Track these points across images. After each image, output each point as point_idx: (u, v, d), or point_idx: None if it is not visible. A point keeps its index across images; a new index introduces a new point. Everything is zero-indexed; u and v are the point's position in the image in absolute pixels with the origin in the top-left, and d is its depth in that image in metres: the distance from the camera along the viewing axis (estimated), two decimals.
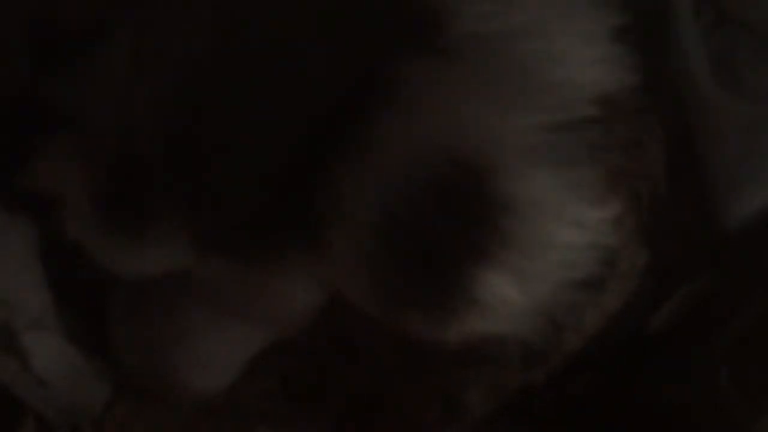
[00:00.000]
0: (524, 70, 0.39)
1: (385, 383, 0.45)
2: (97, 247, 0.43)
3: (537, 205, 0.39)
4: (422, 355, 0.43)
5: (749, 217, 0.48)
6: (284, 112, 0.39)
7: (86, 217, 0.42)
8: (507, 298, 0.40)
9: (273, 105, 0.39)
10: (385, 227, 0.38)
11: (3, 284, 0.45)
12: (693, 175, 0.48)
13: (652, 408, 0.47)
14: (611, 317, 0.45)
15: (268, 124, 0.39)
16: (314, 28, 0.39)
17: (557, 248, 0.40)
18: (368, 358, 0.45)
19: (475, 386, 0.44)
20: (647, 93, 0.44)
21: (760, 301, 0.45)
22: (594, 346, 0.45)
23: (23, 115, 0.42)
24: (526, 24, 0.40)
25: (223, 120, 0.40)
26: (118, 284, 0.45)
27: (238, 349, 0.46)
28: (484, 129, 0.38)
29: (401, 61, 0.39)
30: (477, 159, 0.38)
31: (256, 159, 0.40)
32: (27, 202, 0.44)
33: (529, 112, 0.39)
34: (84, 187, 0.42)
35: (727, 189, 0.48)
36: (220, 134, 0.40)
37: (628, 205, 0.42)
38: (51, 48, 0.42)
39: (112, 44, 0.40)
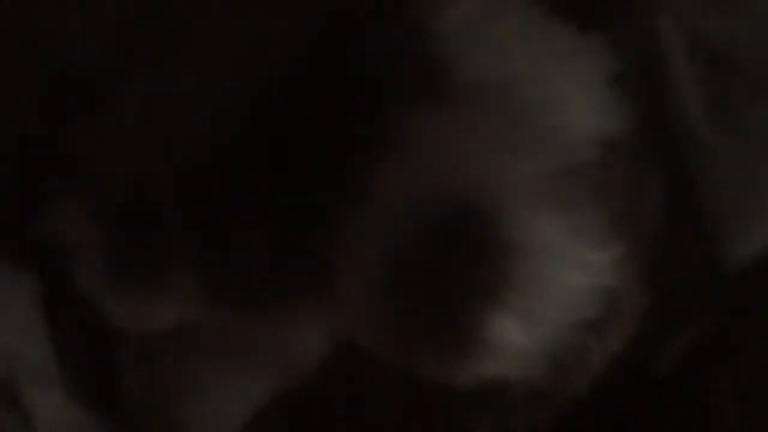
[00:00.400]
0: (524, 116, 0.40)
1: (393, 427, 0.45)
2: (106, 300, 0.43)
3: (541, 247, 0.39)
4: (431, 399, 0.43)
5: (750, 258, 0.48)
6: (290, 159, 0.40)
7: (96, 269, 0.42)
8: (514, 340, 0.40)
9: (279, 152, 0.40)
10: (393, 271, 0.39)
11: (5, 338, 0.45)
12: (693, 217, 0.48)
13: None
14: (616, 360, 0.45)
15: (276, 170, 0.40)
16: (316, 78, 0.40)
17: (562, 290, 0.40)
18: (376, 404, 0.45)
19: (482, 429, 0.44)
20: (645, 137, 0.44)
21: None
22: (599, 389, 0.45)
23: (35, 166, 0.43)
24: (524, 72, 0.41)
25: (230, 171, 0.40)
26: (125, 337, 0.45)
27: (246, 400, 0.46)
28: (487, 174, 0.39)
29: (402, 108, 0.39)
30: (481, 203, 0.39)
31: (264, 209, 0.40)
32: (34, 254, 0.44)
33: (531, 157, 0.39)
34: (95, 239, 0.42)
35: (727, 230, 0.49)
36: (229, 185, 0.40)
37: (629, 247, 0.43)
38: (64, 100, 0.43)
39: (124, 96, 0.41)
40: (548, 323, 0.40)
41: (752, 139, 0.49)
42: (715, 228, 0.49)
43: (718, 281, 0.48)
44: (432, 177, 0.39)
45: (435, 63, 0.40)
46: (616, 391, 0.46)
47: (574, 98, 0.41)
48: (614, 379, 0.45)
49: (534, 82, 0.41)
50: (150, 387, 0.46)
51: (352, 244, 0.39)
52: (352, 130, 0.39)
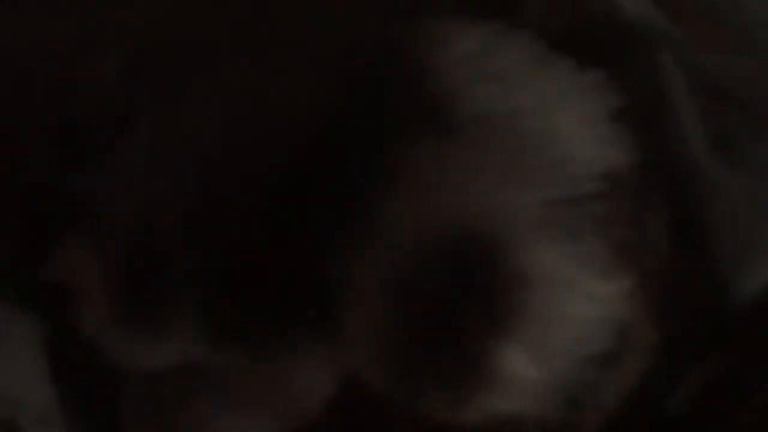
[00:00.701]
0: (528, 147, 0.40)
1: None
2: (112, 341, 0.43)
3: (550, 278, 0.39)
4: None
5: (760, 291, 0.48)
6: (295, 199, 0.40)
7: (102, 310, 0.42)
8: (524, 373, 0.39)
9: (284, 192, 0.40)
10: (400, 306, 0.39)
11: (7, 380, 0.44)
12: (699, 252, 0.48)
13: None
14: (629, 397, 0.44)
15: (281, 211, 0.40)
16: (319, 112, 0.40)
17: (571, 322, 0.40)
18: None
19: None
20: (648, 170, 0.45)
21: None
22: (615, 427, 0.44)
23: (41, 208, 0.43)
24: (528, 104, 0.41)
25: (238, 210, 0.40)
26: (130, 378, 0.45)
27: None
28: (492, 206, 0.39)
29: (404, 142, 0.40)
30: (488, 235, 0.39)
31: (270, 247, 0.40)
32: (38, 296, 0.44)
33: (535, 188, 0.40)
34: (101, 280, 0.42)
35: (734, 264, 0.49)
36: (236, 224, 0.40)
37: (636, 279, 0.43)
38: (70, 142, 0.43)
39: (130, 139, 0.41)
40: (559, 356, 0.40)
41: (757, 174, 0.49)
42: (722, 262, 0.48)
43: (728, 315, 0.48)
44: (437, 211, 0.39)
45: (436, 98, 0.40)
46: (631, 428, 0.45)
47: (577, 131, 0.42)
48: (629, 417, 0.44)
49: (537, 115, 0.41)
50: (154, 427, 0.45)
51: (358, 282, 0.39)
52: (356, 167, 0.40)
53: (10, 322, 0.45)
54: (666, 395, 0.47)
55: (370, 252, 0.39)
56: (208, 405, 0.45)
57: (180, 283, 0.41)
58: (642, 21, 0.48)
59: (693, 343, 0.47)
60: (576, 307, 0.40)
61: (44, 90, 0.44)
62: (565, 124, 0.41)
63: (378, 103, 0.40)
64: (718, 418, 0.46)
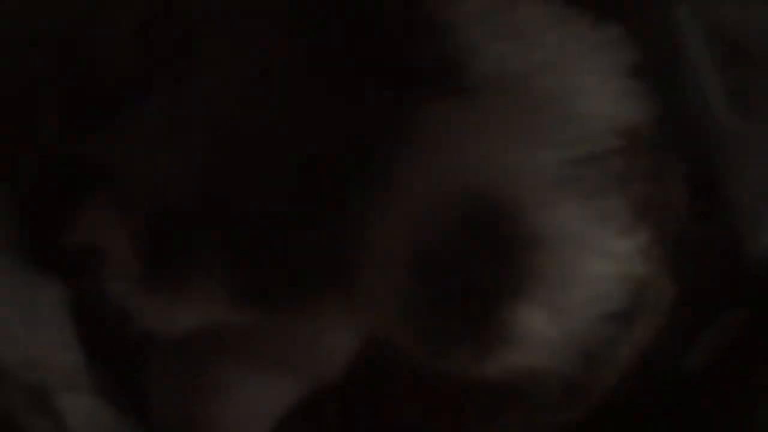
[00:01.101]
0: (545, 105, 0.40)
1: (422, 423, 0.45)
2: (137, 303, 0.44)
3: (566, 238, 0.39)
4: (460, 392, 0.43)
5: None
6: (310, 160, 0.40)
7: (127, 273, 0.43)
8: (542, 332, 0.40)
9: (298, 155, 0.40)
10: (419, 267, 0.39)
11: (36, 345, 0.45)
12: (717, 207, 0.48)
13: None
14: (645, 353, 0.44)
15: (297, 173, 0.40)
16: (332, 75, 0.40)
17: (587, 280, 0.40)
18: (406, 399, 0.45)
19: (513, 425, 0.44)
20: (667, 126, 0.44)
21: None
22: (630, 383, 0.45)
23: (60, 172, 0.43)
24: (544, 61, 0.41)
25: (255, 172, 0.41)
26: (154, 340, 0.46)
27: (275, 400, 0.46)
28: (510, 166, 0.39)
29: (421, 103, 0.40)
30: (505, 196, 0.39)
31: (286, 208, 0.40)
32: (61, 260, 0.45)
33: (553, 147, 0.40)
34: (125, 243, 0.42)
35: (751, 219, 0.48)
36: (253, 186, 0.41)
37: (653, 235, 0.43)
38: (86, 106, 0.43)
39: (148, 103, 0.41)
40: (575, 314, 0.40)
41: None
42: (740, 217, 0.48)
43: (745, 272, 0.48)
44: (454, 172, 0.39)
45: (453, 56, 0.40)
46: (647, 386, 0.46)
47: (595, 88, 0.41)
48: (644, 374, 0.45)
49: (554, 72, 0.41)
50: (179, 389, 0.46)
51: (376, 242, 0.39)
52: (372, 128, 0.40)
53: (36, 288, 0.45)
54: (681, 353, 0.47)
55: (388, 213, 0.39)
56: (232, 366, 0.45)
57: (202, 244, 0.42)
58: None
59: (709, 301, 0.48)
60: (593, 265, 0.40)
61: (58, 52, 0.44)
62: (583, 80, 0.41)
63: (391, 60, 0.40)
64: (731, 379, 0.47)
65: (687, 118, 0.48)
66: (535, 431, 0.44)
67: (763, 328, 0.48)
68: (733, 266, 0.48)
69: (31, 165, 0.44)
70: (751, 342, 0.48)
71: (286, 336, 0.44)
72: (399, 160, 0.39)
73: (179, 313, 0.44)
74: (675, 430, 0.48)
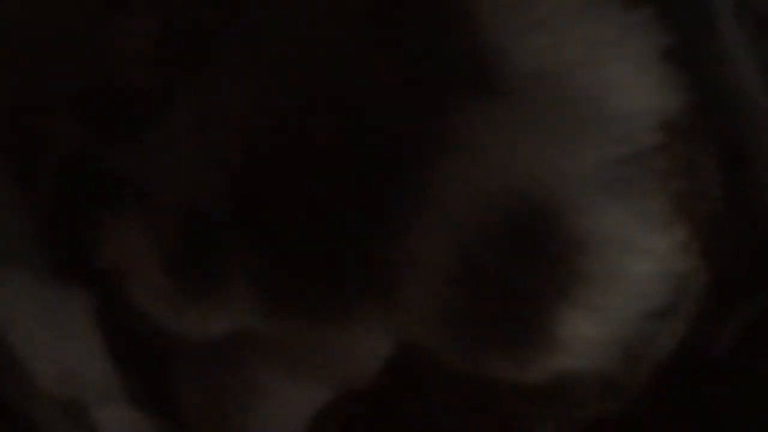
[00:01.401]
0: (585, 102, 0.39)
1: (456, 425, 0.45)
2: (163, 312, 0.43)
3: (610, 239, 0.39)
4: (499, 396, 0.43)
5: None
6: (348, 164, 0.39)
7: (153, 283, 0.42)
8: (586, 334, 0.40)
9: (336, 157, 0.39)
10: (461, 273, 0.39)
11: (68, 359, 0.45)
12: (749, 188, 0.48)
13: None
14: (680, 342, 0.44)
15: (334, 177, 0.39)
16: (367, 75, 0.39)
17: (631, 280, 0.40)
18: (442, 403, 0.45)
19: (549, 421, 0.44)
20: (701, 109, 0.44)
21: None
22: (662, 370, 0.45)
23: (84, 185, 0.42)
24: (579, 56, 0.40)
25: (290, 176, 0.40)
26: (183, 347, 0.45)
27: (305, 404, 0.46)
28: (552, 167, 0.38)
29: (458, 105, 0.39)
30: (548, 198, 0.38)
31: (324, 213, 0.40)
32: (85, 270, 0.44)
33: (595, 146, 0.39)
34: (150, 253, 0.42)
35: None
36: (289, 190, 0.40)
37: (690, 228, 0.42)
38: (104, 113, 0.42)
39: (175, 109, 0.40)
40: (618, 314, 0.40)
41: None
42: None
43: None
44: (494, 175, 0.38)
45: (486, 54, 0.39)
46: (677, 371, 0.46)
47: (633, 80, 0.40)
48: (677, 361, 0.45)
49: (590, 67, 0.40)
50: (209, 393, 0.46)
51: (415, 247, 0.39)
52: (408, 131, 0.39)
53: (63, 301, 0.45)
54: (713, 337, 0.47)
55: (427, 218, 0.38)
56: (262, 372, 0.45)
57: (233, 252, 0.41)
58: None
59: (740, 283, 0.48)
60: (635, 265, 0.40)
61: (72, 56, 0.43)
62: (619, 73, 0.40)
63: (427, 59, 0.39)
64: (761, 357, 0.47)
65: (720, 95, 0.47)
66: (568, 426, 0.45)
67: None
68: (764, 246, 0.48)
69: (51, 176, 0.43)
70: None
71: (320, 341, 0.44)
72: (438, 163, 0.38)
73: (211, 321, 0.43)
74: (703, 412, 0.48)
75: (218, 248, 0.41)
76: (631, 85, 0.40)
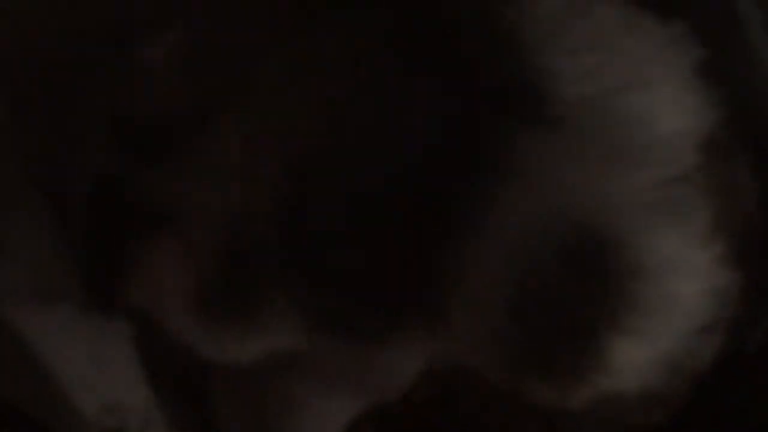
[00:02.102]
0: (632, 125, 0.39)
1: None
2: (200, 340, 0.43)
3: (660, 263, 0.39)
4: (542, 419, 0.43)
5: None
6: (398, 189, 0.39)
7: (189, 312, 0.42)
8: (633, 358, 0.40)
9: (385, 182, 0.39)
10: (513, 299, 0.39)
11: (111, 389, 0.45)
12: None
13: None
14: (718, 350, 0.45)
15: (382, 201, 0.39)
16: (422, 104, 0.39)
17: (678, 301, 0.41)
18: (473, 419, 0.45)
19: None
20: (736, 122, 0.44)
21: None
22: (701, 380, 0.45)
23: (118, 216, 0.42)
24: (623, 76, 0.40)
25: (335, 198, 0.40)
26: (221, 369, 0.45)
27: (341, 415, 0.46)
28: (602, 193, 0.39)
29: (511, 132, 0.39)
30: (599, 225, 0.38)
31: (371, 237, 0.40)
32: (122, 299, 0.44)
33: (643, 169, 0.39)
34: (186, 281, 0.42)
35: None
36: (334, 212, 0.40)
37: (728, 242, 0.43)
38: (133, 138, 0.41)
39: (213, 134, 0.40)
40: (666, 336, 0.41)
41: None
42: None
43: None
44: (546, 202, 0.38)
45: (535, 79, 0.39)
46: (712, 375, 0.46)
47: (675, 100, 0.41)
48: (715, 367, 0.46)
49: (634, 88, 0.40)
50: (247, 413, 0.46)
51: (467, 273, 0.39)
52: (461, 158, 0.39)
53: (102, 330, 0.45)
54: (746, 339, 0.48)
55: (481, 244, 0.39)
56: (301, 390, 0.45)
57: (273, 275, 0.41)
58: None
59: None
60: (683, 285, 0.40)
61: (103, 82, 0.42)
62: (663, 94, 0.40)
63: (477, 85, 0.39)
64: None
65: (753, 106, 0.47)
66: None
67: None
68: None
69: (84, 207, 0.43)
70: None
71: (359, 360, 0.44)
72: (495, 189, 0.38)
73: (247, 344, 0.43)
74: (735, 410, 0.49)
75: (258, 272, 0.41)
76: (674, 106, 0.40)
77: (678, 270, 0.40)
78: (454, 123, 0.39)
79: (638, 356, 0.40)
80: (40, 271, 0.43)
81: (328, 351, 0.44)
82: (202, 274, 0.42)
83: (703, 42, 0.43)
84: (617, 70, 0.40)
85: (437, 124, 0.39)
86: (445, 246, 0.39)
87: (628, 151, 0.39)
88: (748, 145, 0.46)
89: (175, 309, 0.43)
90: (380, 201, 0.39)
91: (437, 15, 0.40)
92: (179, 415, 0.47)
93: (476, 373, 0.42)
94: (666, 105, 0.40)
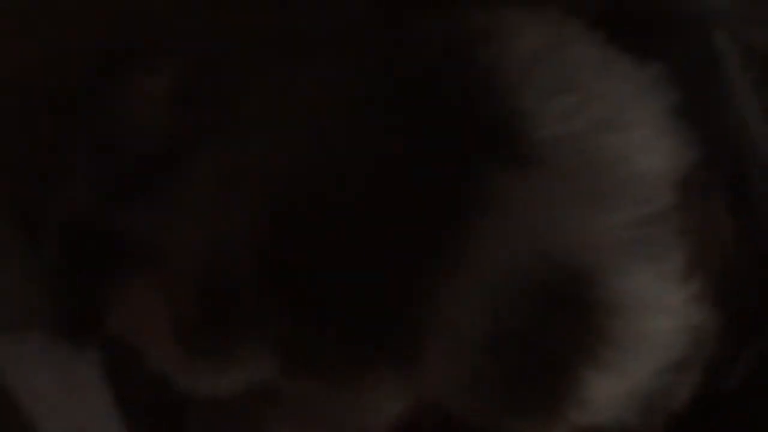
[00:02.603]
0: (608, 165, 0.40)
1: None
2: (178, 372, 0.43)
3: (635, 300, 0.40)
4: None
5: None
6: (373, 227, 0.39)
7: (169, 345, 0.42)
8: (608, 393, 0.40)
9: (360, 221, 0.39)
10: (490, 337, 0.39)
11: (78, 417, 0.44)
12: (755, 231, 0.49)
13: None
14: (694, 387, 0.45)
15: (360, 239, 0.40)
16: (400, 143, 0.39)
17: (652, 338, 0.41)
18: None
19: None
20: (712, 162, 0.44)
21: None
22: (678, 416, 0.46)
23: (93, 248, 0.42)
24: (600, 117, 0.41)
25: (314, 236, 0.40)
26: (195, 403, 0.45)
27: None
28: (579, 232, 0.39)
29: (488, 171, 0.39)
30: (577, 263, 0.39)
31: (348, 275, 0.40)
32: (96, 331, 0.44)
33: (620, 208, 0.40)
34: (164, 314, 0.41)
35: None
36: (312, 250, 0.40)
37: (704, 280, 0.43)
38: (114, 173, 0.42)
39: (190, 170, 0.40)
40: (640, 372, 0.41)
41: None
42: None
43: None
44: (524, 239, 0.39)
45: (514, 119, 0.39)
46: (690, 411, 0.47)
47: (650, 139, 0.41)
48: (691, 404, 0.46)
49: (612, 128, 0.41)
50: None
51: (444, 309, 0.39)
52: (438, 196, 0.39)
53: (74, 359, 0.44)
54: (724, 375, 0.48)
55: (458, 282, 0.39)
56: (276, 425, 0.45)
57: (251, 312, 0.41)
58: None
59: (749, 322, 0.49)
60: (658, 322, 0.41)
61: (83, 116, 0.42)
62: (639, 133, 0.41)
63: (455, 126, 0.39)
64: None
65: (727, 148, 0.48)
66: None
67: None
68: None
69: (60, 238, 0.43)
70: None
71: (335, 399, 0.44)
72: (472, 227, 0.39)
73: (224, 379, 0.43)
74: None
75: (236, 308, 0.41)
76: (650, 146, 0.41)
77: (653, 307, 0.40)
78: (431, 161, 0.39)
79: (613, 392, 0.40)
80: (9, 299, 0.43)
81: (307, 391, 0.44)
82: (179, 308, 0.42)
83: (680, 84, 0.44)
84: (594, 111, 0.40)
85: (415, 163, 0.39)
86: (421, 284, 0.39)
87: (604, 190, 0.39)
88: (724, 185, 0.46)
89: (153, 340, 0.43)
90: (356, 240, 0.40)
91: (417, 56, 0.41)
92: None
93: (456, 414, 0.42)
94: (642, 145, 0.41)
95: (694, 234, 0.42)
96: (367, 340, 0.41)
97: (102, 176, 0.42)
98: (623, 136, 0.40)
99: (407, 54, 0.41)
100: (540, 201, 0.39)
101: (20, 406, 0.42)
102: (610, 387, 0.40)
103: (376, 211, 0.39)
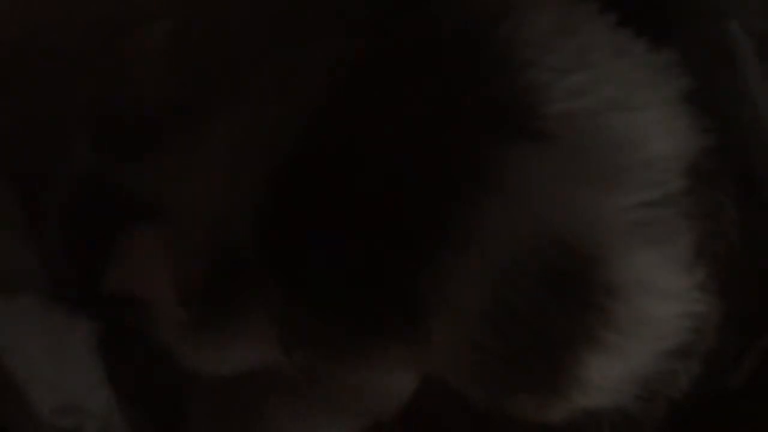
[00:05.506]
0: (618, 146, 0.40)
1: None
2: (178, 343, 0.43)
3: (638, 283, 0.41)
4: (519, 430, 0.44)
5: None
6: (380, 201, 0.40)
7: (173, 314, 0.42)
8: (608, 375, 0.41)
9: (367, 196, 0.40)
10: (495, 315, 0.40)
11: (69, 389, 0.44)
12: (763, 224, 0.49)
13: None
14: (697, 378, 0.46)
15: (363, 214, 0.40)
16: (408, 117, 0.40)
17: (654, 322, 0.42)
18: None
19: None
20: (722, 149, 0.45)
21: None
22: (680, 409, 0.46)
23: (98, 206, 0.42)
24: (613, 97, 0.41)
25: (320, 208, 0.40)
26: (198, 381, 0.45)
27: None
28: (587, 212, 0.40)
29: (498, 146, 0.40)
30: (583, 243, 0.40)
31: (355, 249, 0.40)
32: (98, 299, 0.44)
33: (628, 191, 0.40)
34: (168, 280, 0.42)
35: None
36: (312, 224, 0.40)
37: (709, 268, 0.44)
38: (118, 130, 0.42)
39: (199, 133, 0.40)
40: (640, 355, 0.42)
41: None
42: None
43: None
44: (532, 218, 0.40)
45: (527, 93, 0.39)
46: (693, 406, 0.47)
47: (661, 124, 0.42)
48: (694, 397, 0.46)
49: (623, 109, 0.41)
50: (225, 428, 0.46)
51: (450, 286, 0.40)
52: (448, 171, 0.39)
53: (66, 327, 0.45)
54: (728, 372, 0.49)
55: (465, 260, 0.39)
56: (281, 409, 0.45)
57: (256, 288, 0.41)
58: None
59: (755, 319, 0.49)
60: (660, 308, 0.41)
61: (87, 75, 0.43)
62: (650, 116, 0.42)
63: (465, 100, 0.39)
64: None
65: (739, 138, 0.49)
66: None
67: None
68: None
69: (62, 196, 0.43)
70: None
71: (343, 380, 0.44)
72: (480, 204, 0.39)
73: (228, 355, 0.43)
74: None
75: (241, 283, 0.41)
76: (661, 130, 0.41)
77: (656, 291, 0.41)
78: (440, 135, 0.39)
79: (613, 373, 0.41)
80: (4, 259, 0.43)
81: (311, 370, 0.44)
82: (184, 275, 0.42)
83: (692, 71, 0.44)
84: (606, 91, 0.41)
85: (423, 136, 0.39)
86: (426, 259, 0.40)
87: (614, 171, 0.40)
88: (733, 175, 0.47)
89: (152, 308, 0.43)
90: (361, 214, 0.40)
91: (428, 33, 0.41)
92: (141, 422, 0.46)
93: (460, 392, 0.43)
94: (653, 128, 0.41)
95: (701, 221, 0.43)
96: (372, 315, 0.41)
97: (108, 135, 0.42)
98: (634, 117, 0.41)
99: (421, 27, 0.41)
100: (548, 178, 0.39)
101: (7, 371, 0.42)
102: (610, 368, 0.41)
103: (381, 185, 0.40)
